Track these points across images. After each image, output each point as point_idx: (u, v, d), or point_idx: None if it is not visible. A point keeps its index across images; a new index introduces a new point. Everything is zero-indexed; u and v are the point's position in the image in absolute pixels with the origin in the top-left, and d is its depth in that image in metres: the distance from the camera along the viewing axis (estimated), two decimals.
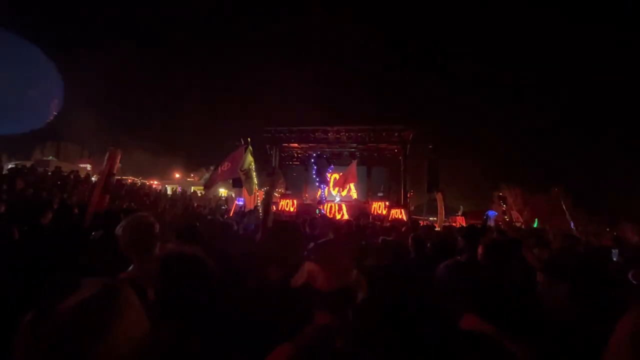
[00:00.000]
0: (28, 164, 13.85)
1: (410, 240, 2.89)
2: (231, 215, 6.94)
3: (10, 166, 12.59)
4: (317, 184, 15.84)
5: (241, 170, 8.82)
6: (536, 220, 18.13)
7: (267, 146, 19.00)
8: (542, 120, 53.80)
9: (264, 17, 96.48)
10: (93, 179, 12.31)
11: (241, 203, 14.32)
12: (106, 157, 3.70)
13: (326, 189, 14.88)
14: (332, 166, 15.47)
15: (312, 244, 1.20)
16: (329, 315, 1.01)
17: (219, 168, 8.97)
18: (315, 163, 14.01)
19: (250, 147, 9.18)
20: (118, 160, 3.76)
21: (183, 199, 19.26)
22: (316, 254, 1.10)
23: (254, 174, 9.81)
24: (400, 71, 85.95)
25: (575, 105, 53.29)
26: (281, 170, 20.75)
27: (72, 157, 40.00)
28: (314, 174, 14.90)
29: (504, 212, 22.18)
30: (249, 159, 9.13)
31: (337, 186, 14.28)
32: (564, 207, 6.87)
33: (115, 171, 3.72)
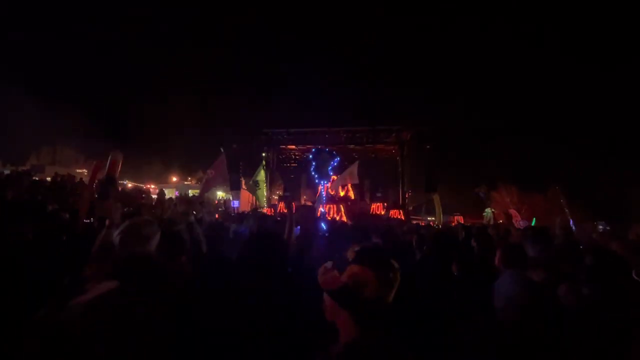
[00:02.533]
0: (23, 169, 13.70)
1: (414, 242, 2.85)
2: (217, 217, 6.83)
3: (6, 172, 12.45)
4: (316, 181, 15.37)
5: (253, 181, 9.35)
6: (534, 219, 18.15)
7: (265, 148, 18.96)
8: (539, 119, 54.14)
9: (261, 17, 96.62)
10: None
11: (235, 205, 14.27)
12: (108, 160, 3.57)
13: (325, 187, 14.44)
14: (338, 158, 14.77)
15: (356, 247, 1.07)
16: (363, 328, 0.89)
17: (204, 177, 9.41)
18: (314, 159, 13.55)
19: (264, 162, 9.78)
20: (120, 164, 3.63)
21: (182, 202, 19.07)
22: (368, 257, 0.97)
23: (265, 185, 10.17)
24: (397, 71, 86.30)
25: (572, 104, 53.75)
26: (279, 172, 20.77)
27: (68, 163, 39.74)
28: (312, 171, 14.48)
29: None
30: (262, 172, 9.71)
31: (336, 186, 14.15)
32: (563, 205, 6.89)
33: (116, 175, 3.59)
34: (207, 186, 9.63)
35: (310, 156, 14.04)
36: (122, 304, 0.79)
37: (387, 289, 0.91)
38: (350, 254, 1.65)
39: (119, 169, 3.64)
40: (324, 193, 14.06)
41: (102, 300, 0.74)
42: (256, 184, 9.71)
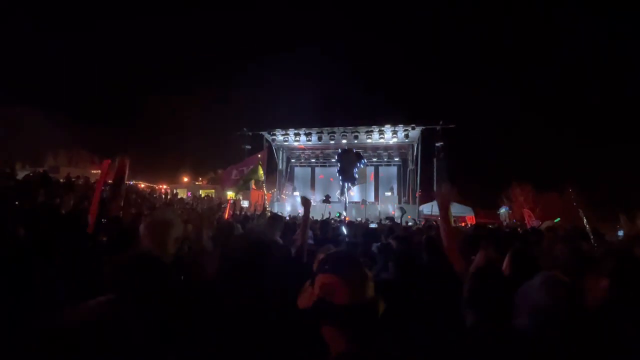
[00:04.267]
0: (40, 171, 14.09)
1: (423, 243, 2.75)
2: (226, 217, 6.82)
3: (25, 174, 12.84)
4: (340, 182, 15.06)
5: (245, 175, 9.49)
6: (557, 219, 17.60)
7: (274, 147, 19.01)
8: (555, 116, 52.73)
9: (262, 16, 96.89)
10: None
11: (245, 205, 14.38)
12: (115, 164, 3.84)
13: (345, 189, 14.16)
14: (364, 160, 14.34)
15: (321, 255, 1.04)
16: (349, 338, 0.86)
17: (235, 170, 9.77)
18: (339, 160, 13.18)
19: (260, 162, 10.01)
20: (127, 168, 3.87)
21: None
22: (332, 264, 0.96)
23: (256, 180, 10.38)
24: (408, 68, 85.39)
25: (587, 101, 52.22)
26: (288, 172, 20.85)
27: (83, 165, 40.68)
28: (337, 172, 14.15)
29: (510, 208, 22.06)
30: (260, 171, 9.90)
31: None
32: (575, 204, 6.65)
33: (125, 177, 3.81)
34: (235, 182, 10.07)
35: (336, 158, 13.77)
36: (118, 316, 0.77)
37: (358, 291, 0.88)
38: (315, 266, 1.62)
39: (127, 172, 3.86)
40: (346, 198, 13.66)
41: (98, 311, 0.73)
42: (245, 178, 10.05)
